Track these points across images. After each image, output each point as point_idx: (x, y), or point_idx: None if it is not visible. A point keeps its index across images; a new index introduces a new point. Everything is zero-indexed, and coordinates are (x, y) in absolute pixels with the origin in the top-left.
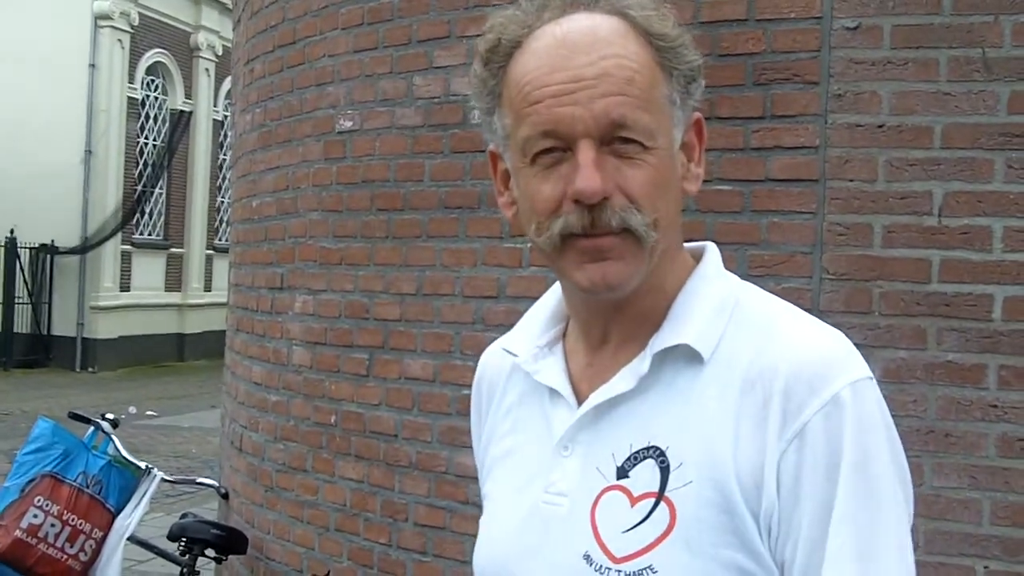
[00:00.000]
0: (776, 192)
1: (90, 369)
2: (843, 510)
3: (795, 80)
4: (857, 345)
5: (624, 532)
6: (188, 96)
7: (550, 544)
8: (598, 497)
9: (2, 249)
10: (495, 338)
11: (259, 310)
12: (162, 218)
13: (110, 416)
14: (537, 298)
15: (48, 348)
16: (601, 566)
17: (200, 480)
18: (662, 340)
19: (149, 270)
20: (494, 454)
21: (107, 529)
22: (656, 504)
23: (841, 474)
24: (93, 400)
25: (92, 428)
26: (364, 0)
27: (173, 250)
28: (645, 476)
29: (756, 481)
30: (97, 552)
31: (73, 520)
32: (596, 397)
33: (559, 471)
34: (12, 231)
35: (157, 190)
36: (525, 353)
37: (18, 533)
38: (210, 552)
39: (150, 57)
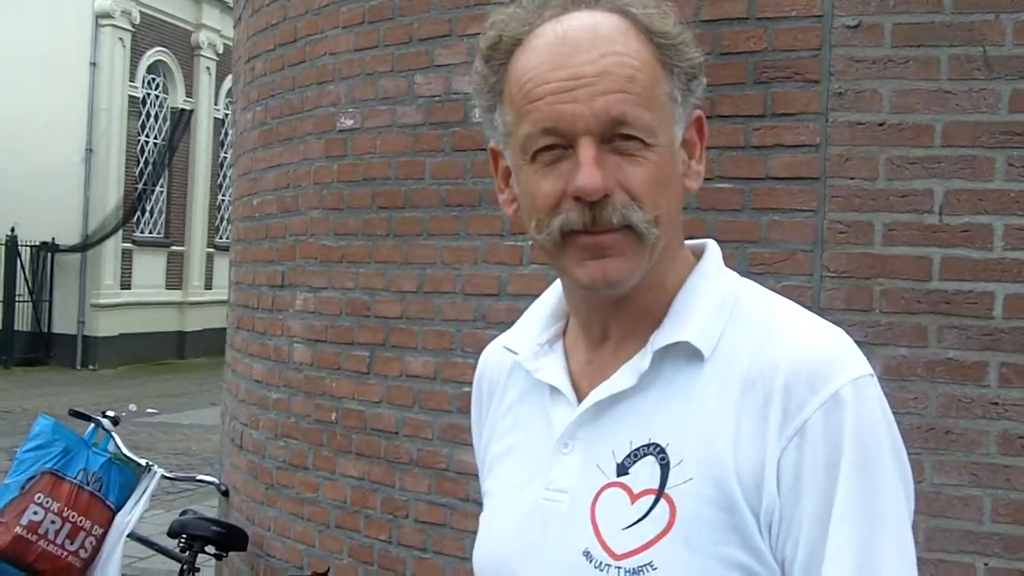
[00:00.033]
0: (777, 190)
1: (91, 367)
2: (844, 507)
3: (796, 78)
4: (858, 343)
5: (624, 529)
6: (189, 94)
7: (550, 541)
8: (598, 494)
9: (3, 247)
10: (496, 336)
11: (260, 308)
12: (163, 216)
13: (110, 413)
14: (538, 296)
15: (49, 346)
16: (601, 563)
17: (200, 477)
18: (663, 337)
19: (150, 268)
20: (495, 452)
21: (107, 526)
22: (656, 501)
23: (842, 471)
24: (93, 397)
25: (92, 425)
26: None
27: (174, 248)
28: (645, 473)
29: (756, 478)
30: (97, 549)
31: (73, 517)
32: (596, 394)
33: (559, 468)
34: (13, 229)
35: (158, 188)
36: (525, 351)
37: (18, 530)
38: (210, 549)
39: (151, 55)
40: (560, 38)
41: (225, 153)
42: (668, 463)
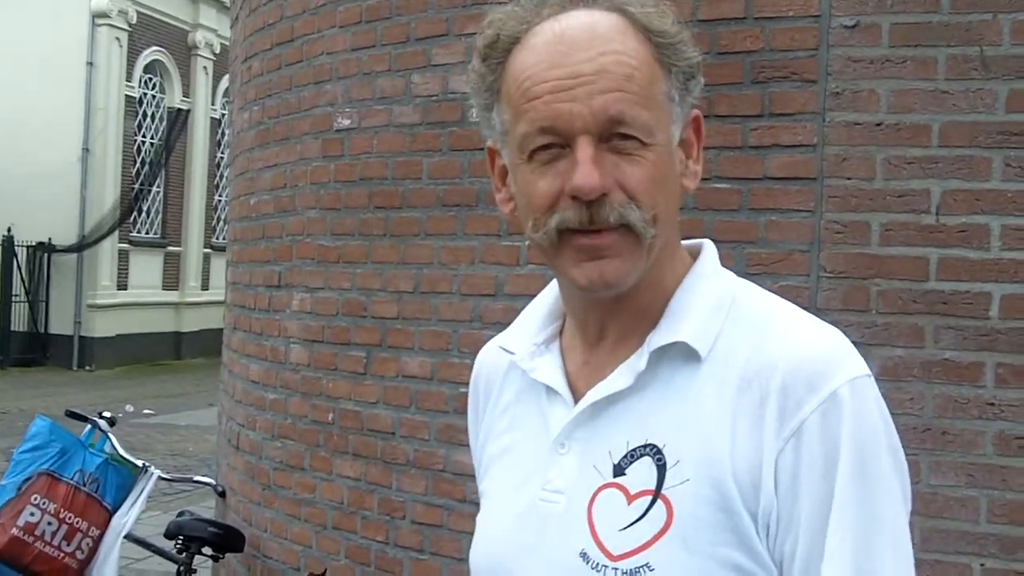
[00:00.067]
0: (774, 190)
1: (87, 367)
2: (842, 508)
3: (793, 78)
4: (854, 343)
5: (621, 530)
6: (186, 94)
7: (547, 542)
8: (595, 495)
9: None
10: (493, 336)
11: (256, 308)
12: (159, 216)
13: (107, 414)
14: (535, 296)
15: (45, 346)
16: (598, 564)
17: (197, 478)
18: (659, 337)
19: (146, 268)
20: (491, 452)
21: (104, 527)
22: (653, 502)
23: (840, 472)
24: (90, 398)
25: (89, 426)
26: None
27: (170, 248)
28: (642, 474)
29: (754, 479)
30: (94, 550)
31: (70, 518)
32: (593, 394)
33: (556, 469)
34: (9, 229)
35: (155, 188)
36: (522, 351)
37: (15, 531)
38: (207, 550)
39: (148, 55)
40: (558, 37)
41: (222, 153)
42: (665, 464)
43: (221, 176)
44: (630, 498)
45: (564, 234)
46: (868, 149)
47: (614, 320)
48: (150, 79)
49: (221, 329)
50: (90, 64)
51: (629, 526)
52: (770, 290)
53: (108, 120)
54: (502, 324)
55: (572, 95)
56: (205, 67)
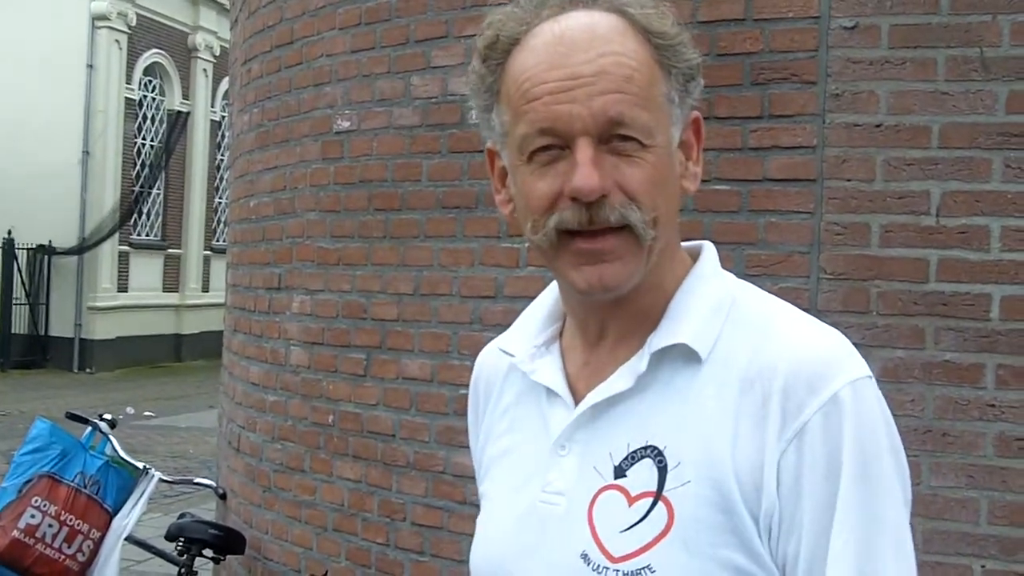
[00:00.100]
0: (774, 192)
1: (87, 370)
2: (845, 510)
3: (793, 80)
4: (855, 345)
5: (622, 532)
6: (186, 97)
7: (547, 543)
8: (595, 496)
9: (0, 250)
10: (492, 338)
11: (256, 310)
12: (159, 219)
13: (107, 416)
14: (535, 298)
15: (45, 349)
16: (599, 565)
17: (198, 480)
18: (660, 339)
19: (147, 271)
20: (491, 454)
21: (105, 529)
22: (654, 504)
23: (843, 473)
24: (90, 401)
25: (90, 428)
26: (362, 0)
27: (171, 251)
28: (643, 475)
29: (755, 481)
30: (95, 552)
31: (71, 520)
32: (593, 396)
33: (556, 470)
34: (10, 232)
35: (155, 191)
36: (522, 353)
37: (16, 533)
38: (208, 552)
39: (148, 58)
40: (558, 38)
41: (222, 155)
42: (666, 465)
43: (221, 178)
44: (631, 500)
45: (563, 237)
46: (868, 150)
47: (614, 322)
48: (150, 81)
49: (221, 331)
50: (90, 66)
51: (630, 528)
52: (770, 292)
53: (108, 122)
54: (502, 326)
55: (572, 96)
56: (205, 69)
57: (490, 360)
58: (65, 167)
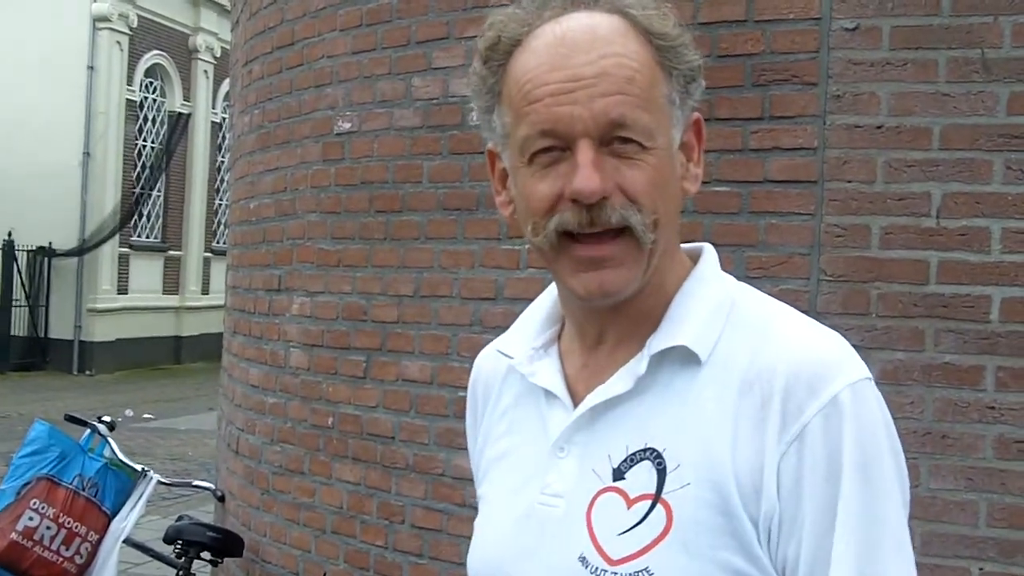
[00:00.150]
0: (774, 193)
1: (87, 372)
2: (847, 512)
3: (794, 81)
4: (855, 347)
5: (620, 534)
6: (186, 98)
7: (546, 546)
8: (594, 499)
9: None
10: (493, 340)
11: (256, 312)
12: (160, 220)
13: (107, 419)
14: (535, 300)
15: (45, 351)
16: (597, 568)
17: (196, 483)
18: (659, 341)
19: (147, 273)
20: (489, 456)
21: (103, 532)
22: (653, 506)
23: (844, 476)
24: (90, 403)
25: (88, 431)
26: (363, 1)
27: (171, 252)
28: (642, 478)
29: (755, 483)
30: (93, 555)
31: (69, 523)
32: (592, 398)
33: (555, 473)
34: (10, 233)
35: (155, 192)
36: (520, 355)
37: (14, 536)
38: (206, 555)
39: (148, 59)
40: (559, 39)
41: (222, 157)
42: (665, 468)
43: (222, 180)
44: (629, 502)
45: (564, 240)
46: (869, 152)
47: (613, 324)
48: (151, 83)
49: (221, 333)
50: (91, 68)
51: (628, 530)
52: (770, 294)
53: (109, 124)
54: (502, 328)
55: (573, 98)
56: (206, 71)
57: (489, 362)
58: (65, 168)
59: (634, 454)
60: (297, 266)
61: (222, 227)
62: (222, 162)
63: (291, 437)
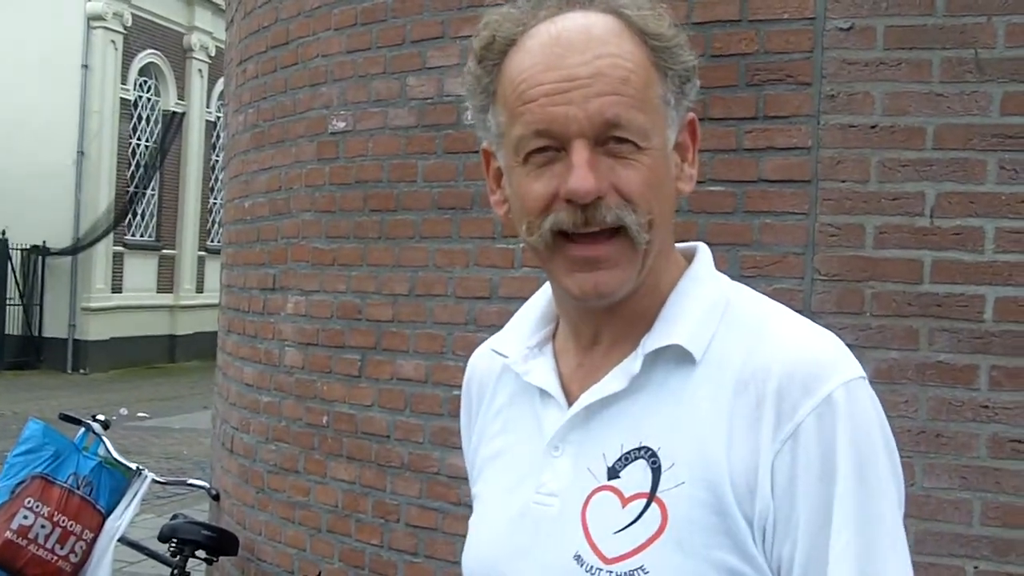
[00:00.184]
0: (768, 193)
1: (81, 370)
2: (843, 512)
3: (788, 81)
4: (849, 346)
5: (615, 533)
6: (181, 97)
7: (540, 545)
8: (589, 497)
9: None
10: (487, 339)
11: (251, 311)
12: (154, 219)
13: (101, 417)
14: (529, 298)
15: (39, 350)
16: (592, 567)
17: (191, 481)
18: (654, 340)
19: (141, 271)
20: (484, 455)
21: (98, 530)
22: (647, 505)
23: (839, 475)
24: (84, 401)
25: (83, 429)
26: (357, 1)
27: (165, 251)
28: (636, 477)
29: (749, 482)
30: (87, 553)
31: (64, 521)
32: (587, 397)
33: (550, 471)
34: (4, 232)
35: (149, 191)
36: (515, 354)
37: (8, 534)
38: (201, 553)
39: (143, 58)
40: (554, 39)
41: (217, 156)
42: (660, 466)
43: (216, 179)
44: (624, 501)
45: (558, 239)
46: (863, 152)
47: (608, 324)
48: (145, 82)
49: (216, 332)
50: (85, 67)
51: (623, 529)
52: (764, 293)
53: (103, 123)
54: (497, 327)
55: (568, 98)
56: (200, 70)
57: (483, 361)
58: (60, 167)
59: (629, 453)
60: (292, 265)
61: (216, 226)
62: (216, 161)
63: (286, 436)
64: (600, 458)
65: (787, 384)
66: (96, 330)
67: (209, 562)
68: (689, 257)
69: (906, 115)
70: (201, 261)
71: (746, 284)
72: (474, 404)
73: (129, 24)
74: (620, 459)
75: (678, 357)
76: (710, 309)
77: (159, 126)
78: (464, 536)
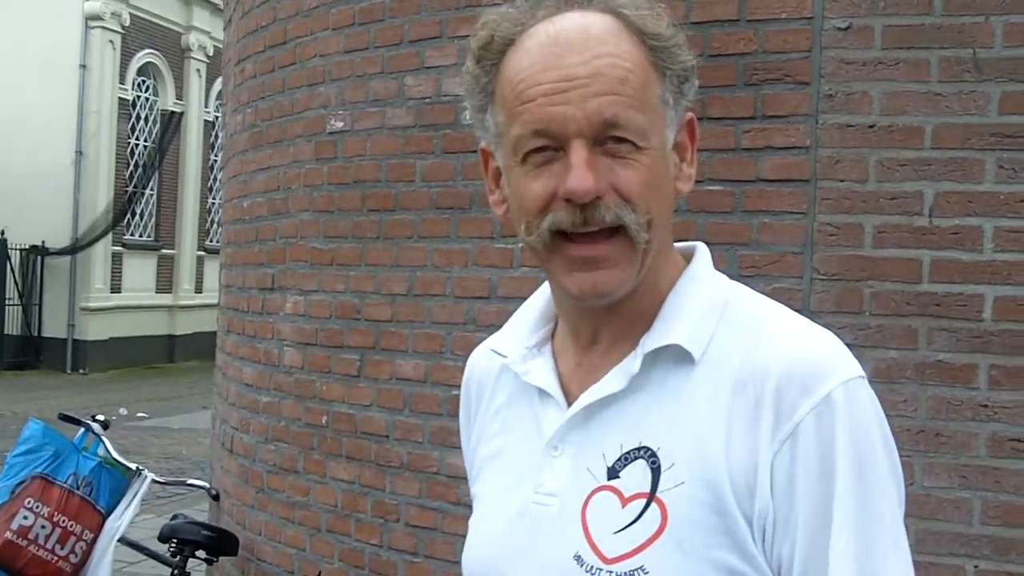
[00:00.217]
0: (767, 192)
1: (81, 371)
2: (843, 511)
3: (786, 80)
4: (848, 345)
5: (615, 533)
6: (179, 97)
7: (540, 545)
8: (588, 497)
9: None
10: (486, 338)
11: (250, 311)
12: (153, 219)
13: (100, 417)
14: (528, 298)
15: (39, 350)
16: (592, 567)
17: (191, 481)
18: (653, 340)
19: (140, 271)
20: (483, 455)
21: (97, 531)
22: (647, 505)
23: (838, 474)
24: (84, 401)
25: (82, 430)
26: (355, 0)
27: (164, 251)
28: (636, 476)
29: (749, 482)
30: (87, 554)
31: (63, 522)
32: (587, 397)
33: (549, 471)
34: (3, 232)
35: (148, 191)
36: (514, 354)
37: (8, 535)
38: (201, 554)
39: (141, 58)
40: (552, 39)
41: (215, 156)
42: (659, 466)
43: (215, 179)
44: (624, 501)
45: (557, 239)
46: (861, 151)
47: (607, 324)
48: (143, 81)
49: (215, 332)
50: (83, 67)
51: (623, 529)
52: (763, 292)
53: (101, 123)
54: (496, 326)
55: (566, 98)
56: (198, 69)
57: (482, 361)
58: (58, 167)
59: (628, 453)
60: (290, 265)
61: (215, 225)
62: (215, 160)
63: (285, 436)
64: (600, 458)
65: (786, 383)
66: (95, 330)
67: (209, 562)
68: (688, 257)
69: (904, 114)
70: (200, 261)
71: (745, 284)
72: (473, 404)
73: (127, 24)
74: (620, 459)
75: (677, 357)
76: (709, 309)
77: (157, 126)
78: (464, 536)
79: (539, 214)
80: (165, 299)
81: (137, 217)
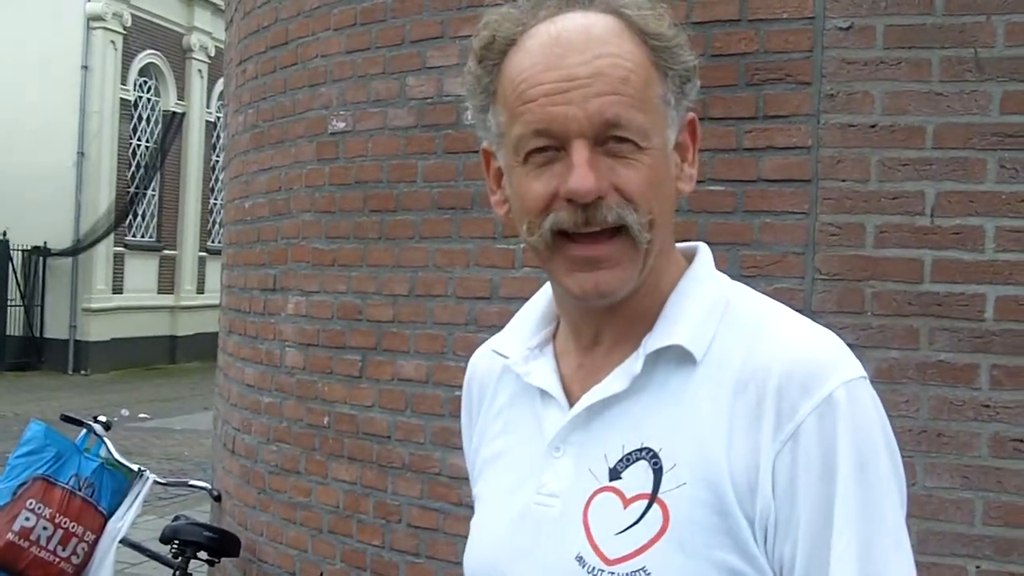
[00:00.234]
0: (769, 192)
1: (82, 371)
2: (845, 511)
3: (788, 80)
4: (849, 345)
5: (617, 534)
6: (181, 97)
7: (542, 546)
8: (590, 498)
9: None
10: (488, 339)
11: (252, 312)
12: (155, 220)
13: (102, 418)
14: (530, 299)
15: (40, 351)
16: (594, 568)
17: (192, 482)
18: (655, 341)
19: (142, 272)
20: (485, 456)
21: (99, 532)
22: (649, 505)
23: (839, 475)
24: (85, 402)
25: (84, 431)
26: (357, 1)
27: (166, 252)
28: (638, 477)
29: (750, 482)
30: (89, 555)
31: (65, 523)
32: (588, 398)
33: (551, 472)
34: (4, 233)
35: (150, 192)
36: (515, 355)
37: (10, 536)
38: (203, 555)
39: (143, 58)
40: (554, 39)
41: (217, 156)
42: (661, 467)
43: (216, 179)
44: (626, 502)
45: (559, 239)
46: (862, 151)
47: (609, 324)
48: (145, 82)
49: (216, 333)
50: (85, 67)
51: (625, 530)
52: (765, 292)
53: (103, 123)
54: (497, 327)
55: (567, 98)
56: (200, 70)
57: (484, 362)
58: (60, 168)
59: (630, 454)
60: (292, 265)
61: (217, 226)
62: (217, 161)
63: (287, 436)
64: (601, 459)
65: (787, 384)
66: (97, 331)
67: (211, 563)
68: (689, 257)
69: (906, 114)
70: (202, 262)
71: (746, 284)
72: (475, 405)
73: (129, 24)
74: (621, 460)
75: (679, 357)
76: (710, 309)
77: (159, 126)
78: (465, 536)
79: (541, 214)
80: (167, 300)
81: (139, 218)
